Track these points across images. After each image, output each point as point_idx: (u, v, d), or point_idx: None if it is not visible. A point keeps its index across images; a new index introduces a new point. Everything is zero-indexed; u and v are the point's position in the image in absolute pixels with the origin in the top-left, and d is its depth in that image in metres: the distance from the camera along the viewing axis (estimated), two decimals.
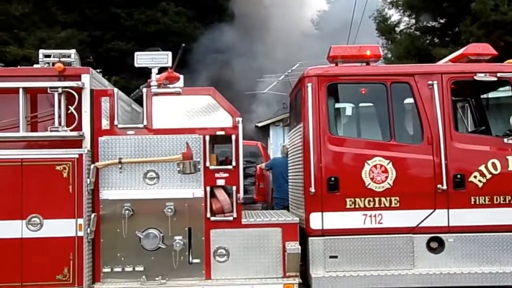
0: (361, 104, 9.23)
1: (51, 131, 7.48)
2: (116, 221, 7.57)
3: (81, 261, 7.33)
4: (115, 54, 28.09)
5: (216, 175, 7.68)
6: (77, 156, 7.40)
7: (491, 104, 9.02)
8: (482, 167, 7.62)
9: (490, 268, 7.57)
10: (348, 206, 7.64)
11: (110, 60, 24.56)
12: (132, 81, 23.96)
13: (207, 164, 7.64)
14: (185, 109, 7.74)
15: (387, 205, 7.63)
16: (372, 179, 7.62)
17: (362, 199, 7.63)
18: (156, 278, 7.53)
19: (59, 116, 7.49)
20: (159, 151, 7.64)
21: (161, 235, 7.56)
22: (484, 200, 7.57)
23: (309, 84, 7.81)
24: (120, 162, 7.58)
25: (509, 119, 7.66)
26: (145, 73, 7.89)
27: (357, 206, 7.63)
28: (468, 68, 7.94)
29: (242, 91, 29.63)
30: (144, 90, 7.82)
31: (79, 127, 7.54)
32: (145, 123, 7.69)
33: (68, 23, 27.48)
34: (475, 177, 7.61)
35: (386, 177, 7.62)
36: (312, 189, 7.61)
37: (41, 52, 7.85)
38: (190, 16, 32.23)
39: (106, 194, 7.60)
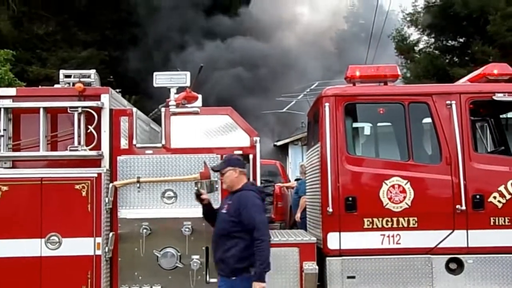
0: (379, 124, 9.21)
1: (70, 150, 7.54)
2: (134, 240, 7.58)
3: (99, 280, 7.34)
4: (134, 74, 28.41)
5: None
6: (96, 175, 7.45)
7: (510, 124, 8.95)
8: (501, 188, 7.55)
9: None
10: (365, 226, 7.59)
11: (129, 80, 24.82)
12: (150, 100, 24.21)
13: None
14: (203, 129, 7.78)
15: (405, 225, 7.58)
16: (390, 199, 7.58)
17: (380, 219, 7.59)
18: None
19: (79, 136, 7.55)
20: (177, 171, 7.67)
21: (179, 254, 7.56)
22: (504, 221, 7.48)
23: (327, 104, 7.82)
24: (138, 181, 7.62)
25: None
26: (163, 92, 7.96)
27: (375, 226, 7.59)
28: (486, 88, 7.91)
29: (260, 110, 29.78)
30: (163, 109, 7.88)
31: (98, 147, 7.60)
32: (163, 142, 7.73)
33: (88, 42, 27.86)
34: (494, 197, 7.54)
35: (404, 197, 7.57)
36: (330, 209, 7.59)
37: (62, 72, 7.95)
38: None
39: (124, 213, 7.63)
